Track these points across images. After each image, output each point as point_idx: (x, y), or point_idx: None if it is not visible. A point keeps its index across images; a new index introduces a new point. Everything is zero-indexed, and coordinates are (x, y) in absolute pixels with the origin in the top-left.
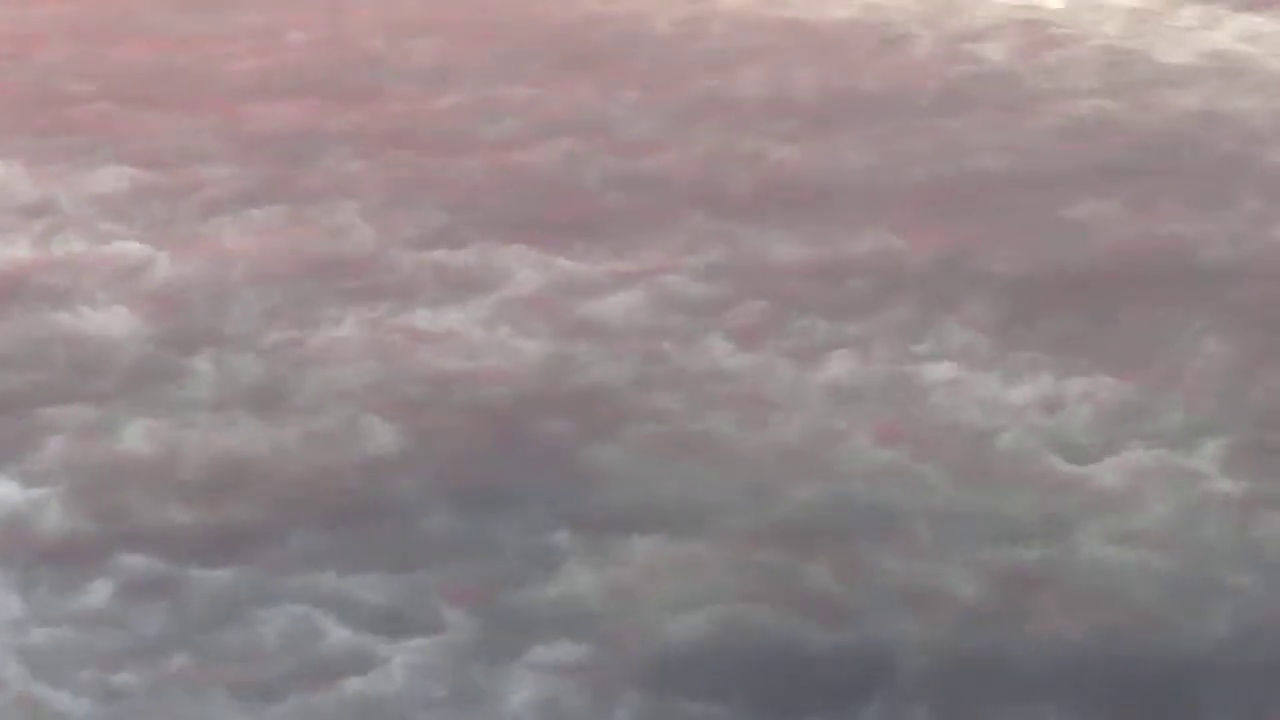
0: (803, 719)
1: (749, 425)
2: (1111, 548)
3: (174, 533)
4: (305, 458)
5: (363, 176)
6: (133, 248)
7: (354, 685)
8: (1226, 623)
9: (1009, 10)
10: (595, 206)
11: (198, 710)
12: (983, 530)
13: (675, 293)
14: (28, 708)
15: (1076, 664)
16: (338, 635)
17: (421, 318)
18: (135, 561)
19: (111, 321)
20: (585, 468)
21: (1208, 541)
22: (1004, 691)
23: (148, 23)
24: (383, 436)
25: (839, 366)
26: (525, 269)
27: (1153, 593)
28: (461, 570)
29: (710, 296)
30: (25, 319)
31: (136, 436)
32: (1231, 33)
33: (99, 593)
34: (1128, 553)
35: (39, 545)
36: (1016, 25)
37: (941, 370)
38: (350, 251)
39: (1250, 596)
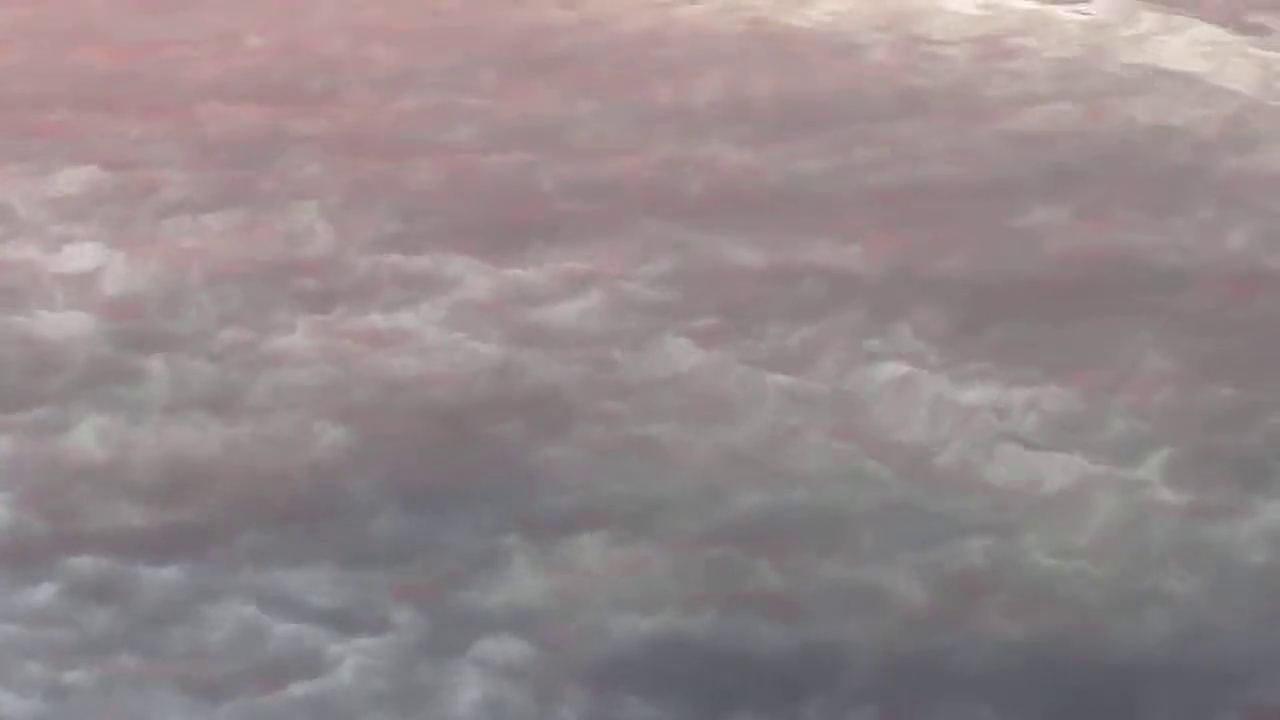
0: (745, 718)
1: (698, 428)
2: (1055, 553)
3: (124, 532)
4: (256, 459)
5: (320, 181)
6: (88, 250)
7: (302, 683)
8: (1167, 628)
9: (968, 18)
10: (550, 212)
11: (146, 707)
12: (928, 534)
13: (628, 297)
14: None
15: (1018, 666)
16: (286, 634)
17: (375, 321)
18: (84, 561)
19: (65, 323)
20: (534, 469)
21: (1150, 548)
22: (946, 692)
23: (107, 27)
24: (334, 438)
25: (789, 371)
26: (479, 273)
27: (1095, 597)
28: (409, 570)
29: (663, 301)
30: None
31: (88, 437)
32: (1188, 42)
33: (47, 591)
34: (1071, 558)
35: None
36: (974, 33)
37: (891, 375)
38: (306, 255)
39: (1191, 603)
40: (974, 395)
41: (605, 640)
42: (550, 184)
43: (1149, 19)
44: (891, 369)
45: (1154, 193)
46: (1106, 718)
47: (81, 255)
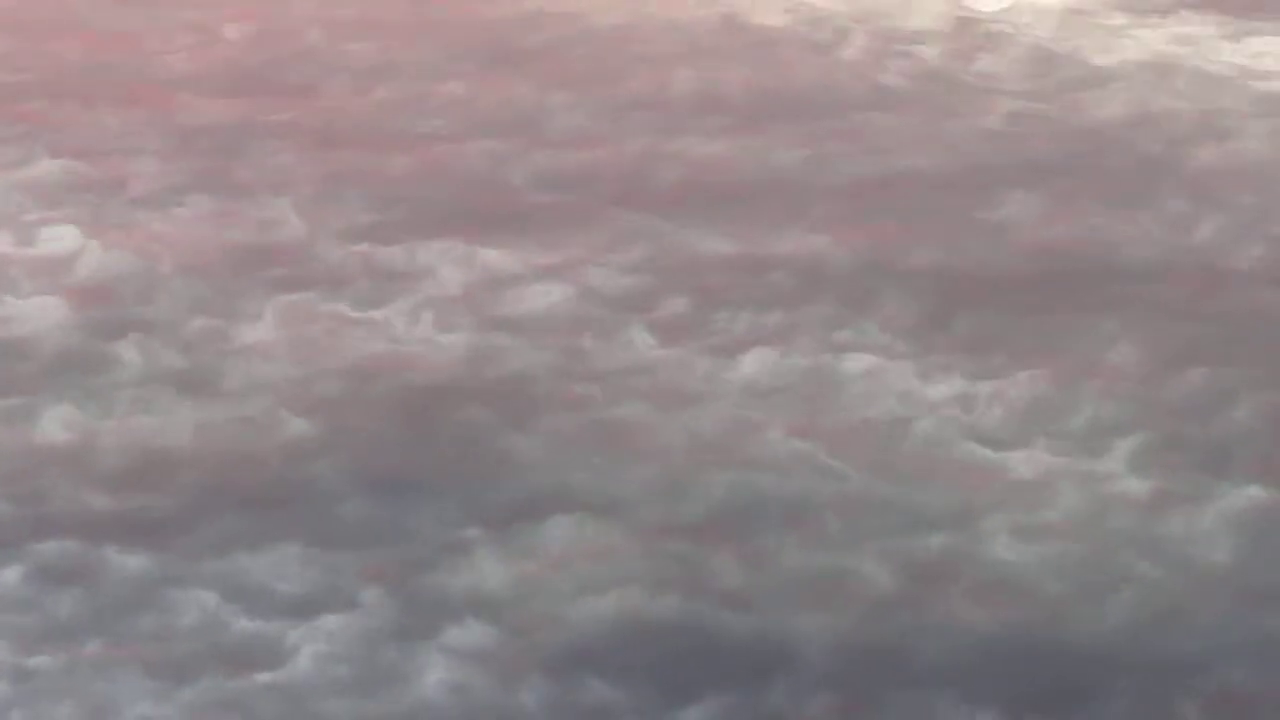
0: (706, 704)
1: (665, 417)
2: (1019, 540)
3: (92, 518)
4: (224, 445)
5: (294, 170)
6: (61, 238)
7: (266, 668)
8: (1129, 615)
9: (943, 11)
10: (523, 202)
11: (111, 691)
12: (893, 522)
13: (598, 287)
14: None
15: (981, 653)
16: (251, 619)
17: (346, 309)
18: (51, 546)
19: (38, 310)
20: (501, 457)
21: (1114, 535)
22: (907, 679)
23: (84, 17)
24: (302, 425)
25: (757, 360)
26: (451, 263)
27: (1058, 585)
28: (375, 556)
29: (633, 291)
30: None
31: (57, 423)
32: (1163, 35)
33: (14, 576)
34: (1035, 546)
35: None
36: (950, 26)
37: (858, 366)
38: (279, 244)
39: (1153, 589)
40: (941, 386)
41: (569, 625)
42: (524, 175)
43: (1126, 9)
44: (860, 359)
45: (1125, 185)
46: (1069, 705)
47: (55, 243)
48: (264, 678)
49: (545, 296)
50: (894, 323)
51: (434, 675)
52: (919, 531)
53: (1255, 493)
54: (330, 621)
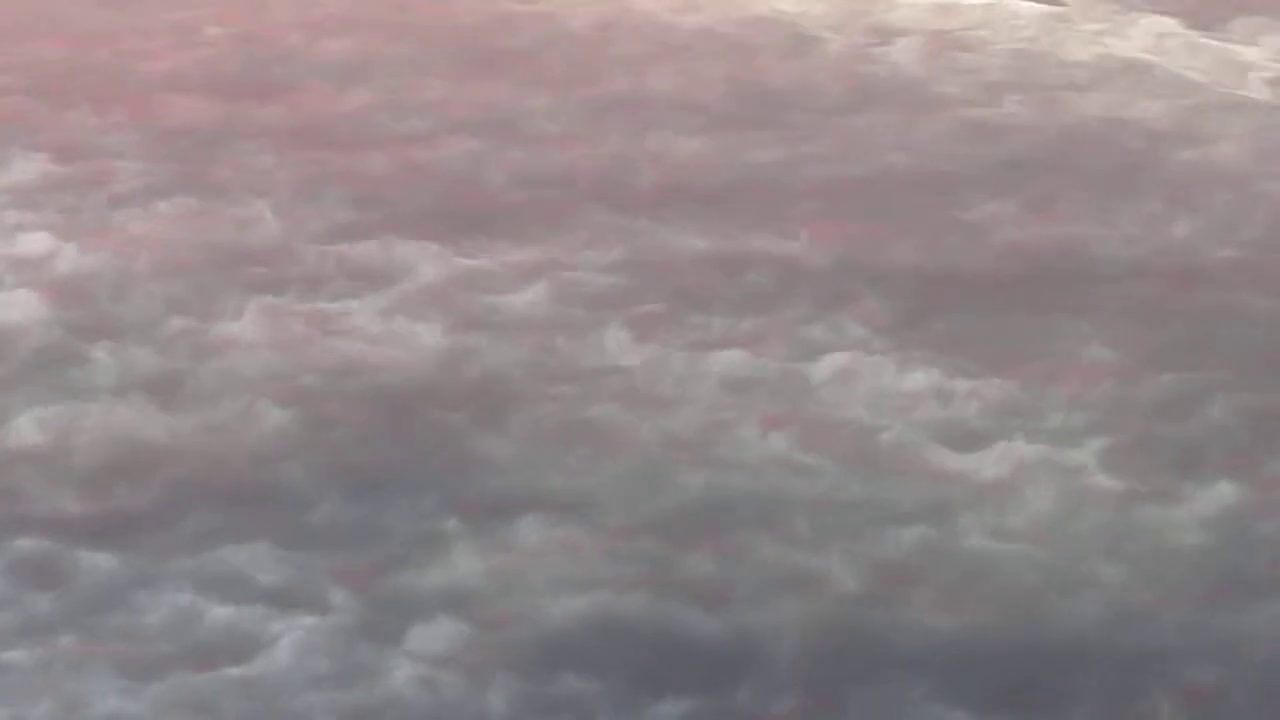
0: (676, 701)
1: (640, 416)
2: (990, 539)
3: (66, 517)
4: (200, 444)
5: (272, 171)
6: (40, 237)
7: (239, 665)
8: (1097, 612)
9: (921, 14)
10: (500, 202)
11: (84, 686)
12: (864, 520)
13: (574, 286)
14: None
15: (953, 649)
16: (224, 617)
17: (323, 309)
18: (26, 544)
19: (15, 309)
20: (476, 455)
21: (1084, 534)
22: (876, 676)
23: (65, 17)
24: (278, 423)
25: (732, 360)
26: (428, 262)
27: (1028, 583)
28: (350, 554)
29: (609, 290)
30: None
31: (33, 422)
32: (1140, 37)
33: None
34: (1006, 544)
35: None
36: (927, 28)
37: (833, 365)
38: (256, 244)
39: (1121, 588)
40: (915, 385)
41: (542, 622)
42: (501, 175)
43: (1104, 12)
44: (835, 358)
45: (1102, 186)
46: (1041, 699)
47: (33, 242)
48: (237, 673)
49: (522, 296)
50: (870, 323)
51: (405, 671)
52: (892, 530)
53: (1226, 491)
54: (304, 618)
